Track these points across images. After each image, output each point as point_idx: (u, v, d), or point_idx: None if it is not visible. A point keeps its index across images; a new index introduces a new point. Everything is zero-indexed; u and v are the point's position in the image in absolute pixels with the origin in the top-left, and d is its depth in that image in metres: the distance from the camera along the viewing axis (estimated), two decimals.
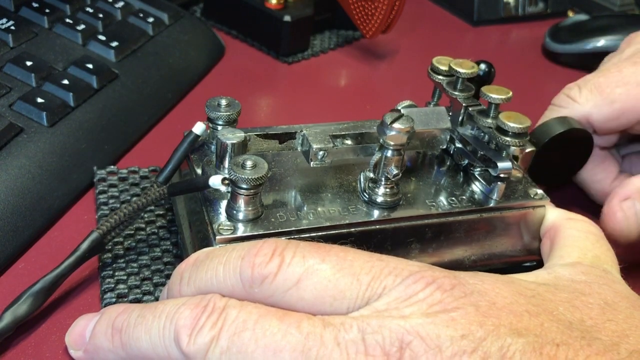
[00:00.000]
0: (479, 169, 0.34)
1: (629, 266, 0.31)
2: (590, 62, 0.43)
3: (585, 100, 0.39)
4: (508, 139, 0.33)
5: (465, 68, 0.35)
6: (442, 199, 0.33)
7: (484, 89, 0.34)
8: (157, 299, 0.32)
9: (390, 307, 0.23)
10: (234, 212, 0.29)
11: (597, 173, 0.42)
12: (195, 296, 0.25)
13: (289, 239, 0.28)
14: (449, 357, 0.22)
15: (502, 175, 0.33)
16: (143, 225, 0.36)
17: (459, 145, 0.35)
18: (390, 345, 0.22)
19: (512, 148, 0.33)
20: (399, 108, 0.35)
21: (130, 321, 0.25)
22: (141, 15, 0.49)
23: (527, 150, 0.34)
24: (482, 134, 0.35)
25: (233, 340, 0.23)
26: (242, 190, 0.28)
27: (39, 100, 0.38)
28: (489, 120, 0.34)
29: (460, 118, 0.36)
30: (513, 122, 0.33)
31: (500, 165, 0.32)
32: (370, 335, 0.22)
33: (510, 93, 0.34)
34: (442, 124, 0.36)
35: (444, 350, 0.22)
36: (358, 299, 0.24)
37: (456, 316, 0.23)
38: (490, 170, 0.33)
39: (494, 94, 0.34)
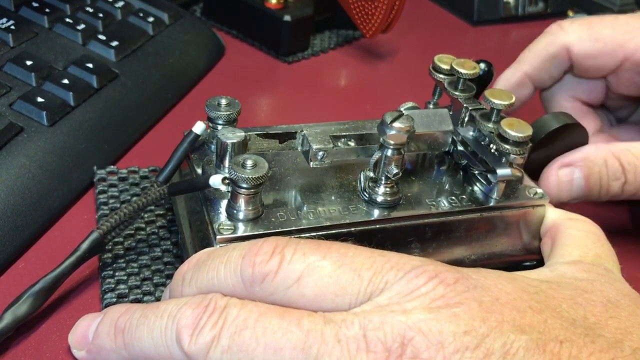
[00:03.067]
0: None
1: (629, 266, 0.31)
2: None
3: (571, 31, 0.41)
4: (508, 147, 0.32)
5: (467, 69, 0.35)
6: (442, 199, 0.33)
7: (487, 93, 0.34)
8: (157, 299, 0.32)
9: (392, 302, 0.23)
10: (235, 211, 0.29)
11: None
12: (197, 296, 0.25)
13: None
14: (451, 353, 0.22)
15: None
16: (143, 225, 0.35)
17: (460, 147, 0.35)
18: (392, 342, 0.22)
19: (512, 156, 0.33)
20: (402, 110, 0.35)
21: (133, 321, 0.25)
22: (141, 15, 0.49)
23: None
24: (483, 136, 0.35)
25: (234, 339, 0.23)
26: (243, 190, 0.28)
27: (39, 99, 0.38)
28: (491, 125, 0.34)
29: (461, 119, 0.36)
30: (515, 130, 0.32)
31: (500, 172, 0.32)
32: (372, 332, 0.22)
33: (514, 98, 0.34)
34: (444, 126, 0.36)
35: (446, 346, 0.22)
36: (360, 294, 0.24)
37: (459, 312, 0.23)
38: (489, 175, 0.33)
39: (497, 99, 0.34)
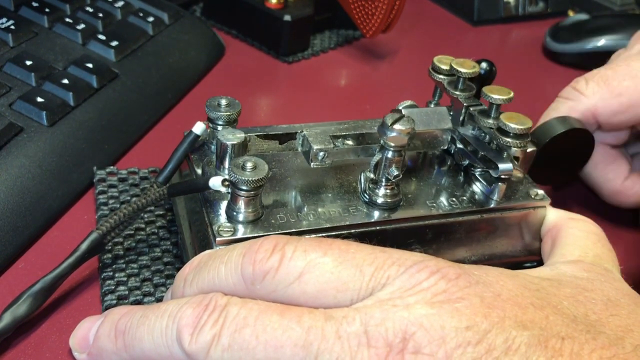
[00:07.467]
0: (479, 170, 0.34)
1: (629, 266, 0.31)
2: (590, 62, 0.43)
3: (591, 93, 0.39)
4: (509, 139, 0.33)
5: (466, 68, 0.35)
6: (443, 200, 0.33)
7: (485, 89, 0.34)
8: (158, 300, 0.32)
9: (394, 296, 0.23)
10: (234, 213, 0.29)
11: (608, 172, 0.41)
12: (197, 295, 0.25)
13: None
14: (453, 349, 0.22)
15: (502, 176, 0.33)
16: (143, 226, 0.35)
17: (459, 145, 0.35)
18: (394, 337, 0.22)
19: (513, 149, 0.33)
20: (400, 108, 0.35)
21: (133, 322, 0.25)
22: (141, 14, 0.49)
23: (528, 150, 0.34)
24: (483, 134, 0.35)
25: (234, 338, 0.23)
26: (242, 192, 0.28)
27: (39, 99, 0.38)
28: (490, 121, 0.34)
29: (461, 118, 0.36)
30: (514, 123, 0.32)
31: (501, 166, 0.32)
32: (373, 327, 0.22)
33: (512, 94, 0.34)
34: (443, 124, 0.36)
35: (448, 341, 0.22)
36: (362, 290, 0.24)
37: (461, 307, 0.23)
38: (491, 171, 0.33)
39: (495, 94, 0.34)
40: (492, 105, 0.34)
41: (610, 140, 0.41)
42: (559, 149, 0.38)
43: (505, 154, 0.33)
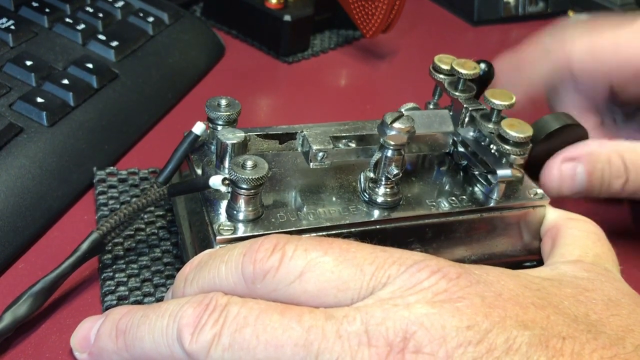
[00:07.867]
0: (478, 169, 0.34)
1: (629, 266, 0.31)
2: None
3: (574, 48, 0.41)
4: (509, 147, 0.33)
5: (467, 69, 0.35)
6: (443, 199, 0.33)
7: (487, 93, 0.34)
8: (158, 301, 0.31)
9: (395, 296, 0.23)
10: (234, 212, 0.29)
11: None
12: (198, 295, 0.25)
13: None
14: (453, 348, 0.22)
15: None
16: (143, 226, 0.35)
17: (460, 148, 0.35)
18: (394, 336, 0.22)
19: (513, 157, 0.33)
20: (402, 110, 0.35)
21: (134, 322, 0.25)
22: (141, 14, 0.49)
23: None
24: (484, 137, 0.35)
25: (234, 337, 0.23)
26: (243, 191, 0.28)
27: (39, 100, 0.38)
28: (491, 125, 0.34)
29: (461, 119, 0.36)
30: (515, 131, 0.32)
31: (500, 172, 0.32)
32: (374, 327, 0.22)
33: (514, 99, 0.34)
34: (444, 127, 0.36)
35: (448, 341, 0.22)
36: (362, 289, 0.24)
37: (461, 306, 0.23)
38: (489, 176, 0.33)
39: (497, 99, 0.34)
40: (493, 109, 0.34)
41: (588, 93, 0.43)
42: (554, 145, 0.38)
43: (504, 160, 0.33)
